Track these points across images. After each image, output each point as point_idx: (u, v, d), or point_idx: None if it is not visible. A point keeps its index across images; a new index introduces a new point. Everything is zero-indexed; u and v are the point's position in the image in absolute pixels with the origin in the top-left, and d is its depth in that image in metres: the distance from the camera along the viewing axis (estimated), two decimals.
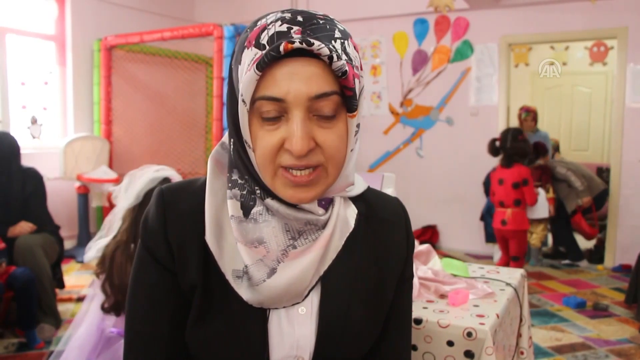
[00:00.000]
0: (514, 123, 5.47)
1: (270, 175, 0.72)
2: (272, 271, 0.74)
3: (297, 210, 0.75)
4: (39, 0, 4.84)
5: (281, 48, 0.64)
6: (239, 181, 0.77)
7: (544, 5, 4.76)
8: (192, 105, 5.51)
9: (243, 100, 0.69)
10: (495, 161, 5.00)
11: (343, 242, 0.80)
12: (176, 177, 1.85)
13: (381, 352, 0.87)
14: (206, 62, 5.54)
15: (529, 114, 5.24)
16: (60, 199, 4.69)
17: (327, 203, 0.79)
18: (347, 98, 0.70)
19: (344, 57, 0.68)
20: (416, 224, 5.36)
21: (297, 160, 0.69)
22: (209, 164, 0.80)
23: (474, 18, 5.06)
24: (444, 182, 5.35)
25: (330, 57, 0.66)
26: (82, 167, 4.77)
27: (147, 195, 1.76)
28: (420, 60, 5.36)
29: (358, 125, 0.75)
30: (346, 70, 0.67)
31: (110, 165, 5.05)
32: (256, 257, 0.74)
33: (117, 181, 4.16)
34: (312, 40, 0.65)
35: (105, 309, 1.75)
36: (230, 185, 0.78)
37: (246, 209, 0.76)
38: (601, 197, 4.76)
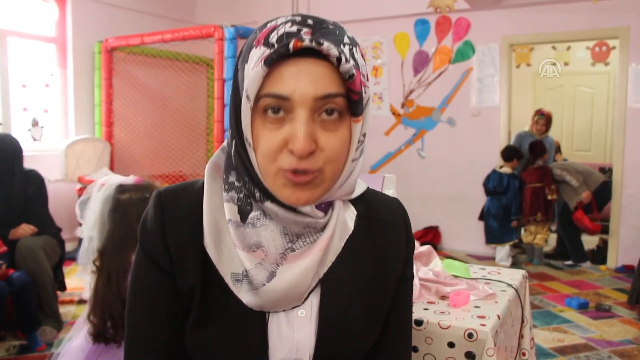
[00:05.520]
0: (516, 124, 5.46)
1: (270, 176, 0.71)
2: (272, 275, 0.73)
3: (296, 214, 0.73)
4: (39, 3, 4.85)
5: (290, 45, 0.65)
6: (236, 184, 0.76)
7: (545, 5, 4.75)
8: (193, 106, 5.50)
9: (247, 97, 0.69)
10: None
11: (343, 244, 0.79)
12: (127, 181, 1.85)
13: (381, 354, 0.86)
14: (207, 63, 5.54)
15: (542, 117, 5.19)
16: (61, 201, 4.68)
17: (326, 206, 0.78)
18: (352, 102, 0.70)
19: (352, 61, 0.68)
20: (418, 225, 5.35)
21: (298, 163, 0.68)
22: (207, 167, 0.80)
23: (475, 18, 5.05)
24: (445, 183, 5.34)
25: (339, 59, 0.66)
26: (83, 169, 4.78)
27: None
28: (421, 61, 5.35)
29: (364, 135, 0.75)
30: (353, 74, 0.67)
31: (112, 167, 5.05)
32: (255, 261, 0.73)
33: None
34: (322, 41, 0.65)
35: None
36: (226, 187, 0.77)
37: (243, 213, 0.75)
38: (604, 191, 4.72)
